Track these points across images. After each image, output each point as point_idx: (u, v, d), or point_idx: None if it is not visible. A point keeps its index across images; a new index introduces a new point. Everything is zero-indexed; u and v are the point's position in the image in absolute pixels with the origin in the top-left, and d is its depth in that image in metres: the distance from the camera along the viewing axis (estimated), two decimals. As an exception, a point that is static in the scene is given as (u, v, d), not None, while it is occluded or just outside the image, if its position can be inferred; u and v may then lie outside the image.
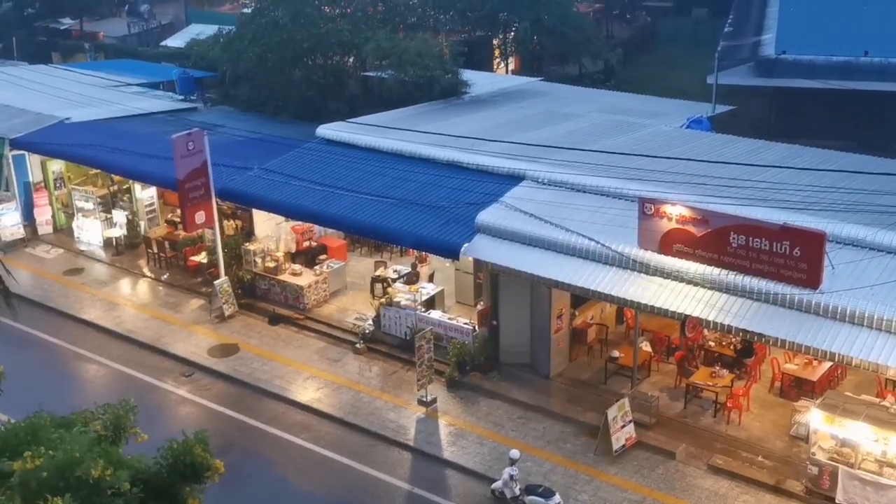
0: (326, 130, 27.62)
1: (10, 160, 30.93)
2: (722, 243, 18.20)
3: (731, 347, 21.63)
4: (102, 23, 56.55)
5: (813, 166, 21.95)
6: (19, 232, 30.92)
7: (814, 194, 19.70)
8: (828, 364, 20.17)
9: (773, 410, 20.48)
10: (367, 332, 24.05)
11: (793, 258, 17.46)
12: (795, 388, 20.65)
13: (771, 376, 21.29)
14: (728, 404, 20.16)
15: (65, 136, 30.35)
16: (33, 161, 31.25)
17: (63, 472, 8.62)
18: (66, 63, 46.12)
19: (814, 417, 18.26)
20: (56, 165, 31.58)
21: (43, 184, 31.63)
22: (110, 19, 57.71)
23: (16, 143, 30.54)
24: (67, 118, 31.46)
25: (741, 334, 18.57)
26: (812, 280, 17.38)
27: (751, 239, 17.85)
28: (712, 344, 21.90)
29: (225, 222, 27.34)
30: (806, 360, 20.52)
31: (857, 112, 31.30)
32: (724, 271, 18.29)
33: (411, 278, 25.35)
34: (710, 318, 18.07)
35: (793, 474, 18.49)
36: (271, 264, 26.31)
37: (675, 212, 18.71)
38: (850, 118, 31.35)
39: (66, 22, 55.62)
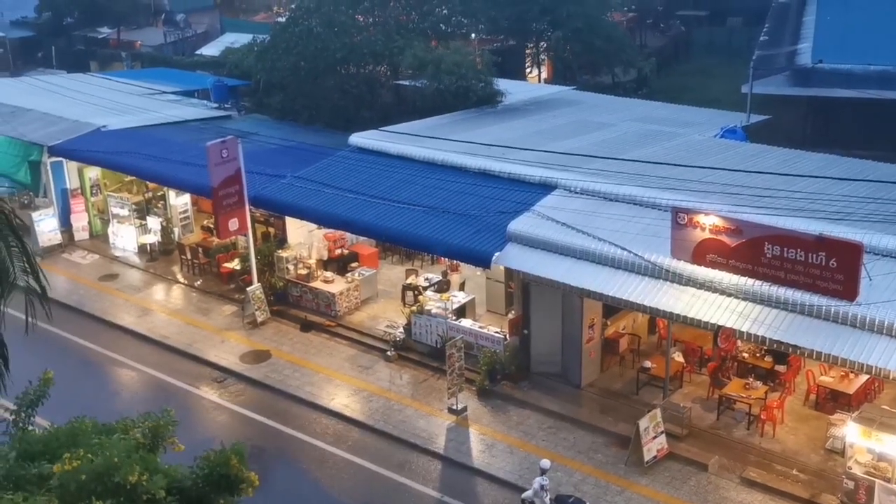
0: (359, 139, 27.74)
1: (49, 167, 31.37)
2: (756, 254, 18.03)
3: (764, 357, 21.40)
4: (139, 32, 57.30)
5: (850, 176, 21.70)
6: (56, 237, 31.32)
7: (850, 205, 19.48)
8: (864, 377, 19.89)
9: (808, 423, 20.25)
10: (397, 339, 24.09)
11: (829, 269, 17.25)
12: (831, 401, 20.40)
13: (806, 389, 21.06)
14: (762, 416, 19.95)
15: (101, 143, 30.73)
16: (70, 168, 31.67)
17: (101, 476, 8.72)
18: (104, 71, 46.74)
19: (850, 431, 18.03)
20: (92, 172, 31.96)
21: (79, 190, 32.03)
22: (147, 29, 58.46)
23: (54, 151, 30.95)
24: (104, 126, 31.84)
25: (776, 346, 18.37)
26: (849, 292, 17.16)
27: (786, 249, 17.67)
28: (746, 355, 21.70)
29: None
30: (842, 373, 20.26)
31: (894, 122, 30.90)
32: (759, 282, 18.12)
33: (442, 286, 25.37)
34: (744, 329, 17.90)
35: (828, 488, 18.24)
36: (303, 271, 26.44)
37: (709, 222, 18.57)
38: (887, 128, 30.95)
39: (104, 31, 56.42)
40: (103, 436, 9.53)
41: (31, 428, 10.50)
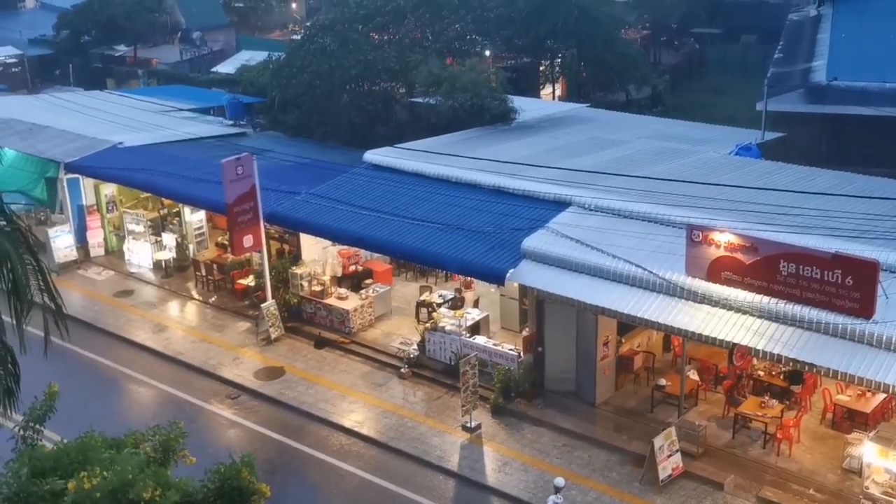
0: (374, 156, 27.81)
1: (65, 183, 31.57)
2: (771, 271, 17.95)
3: (780, 377, 21.27)
4: (156, 50, 57.78)
5: (865, 194, 21.60)
6: (72, 254, 31.47)
7: (866, 222, 19.37)
8: (881, 396, 19.71)
9: (825, 442, 20.08)
10: (411, 356, 24.06)
11: (845, 287, 17.15)
12: (848, 420, 20.22)
13: (822, 407, 20.89)
14: (778, 435, 19.80)
15: (117, 160, 30.90)
16: (87, 184, 31.84)
17: (116, 493, 8.73)
18: (121, 89, 47.16)
19: (867, 450, 17.88)
20: (108, 189, 32.14)
21: (95, 207, 32.20)
22: (163, 46, 58.94)
23: (70, 167, 31.15)
24: (120, 143, 32.04)
25: (791, 364, 18.25)
26: (865, 310, 17.05)
27: (801, 267, 17.59)
28: (761, 373, 21.56)
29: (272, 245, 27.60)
30: (859, 392, 20.09)
31: (910, 139, 30.75)
32: (774, 300, 18.03)
33: (456, 303, 25.34)
34: (759, 347, 17.80)
35: (845, 508, 18.09)
36: (317, 288, 26.47)
37: (724, 239, 18.51)
38: (903, 145, 30.81)
39: (121, 49, 56.92)
40: (113, 450, 9.54)
41: (40, 443, 10.52)
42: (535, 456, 20.52)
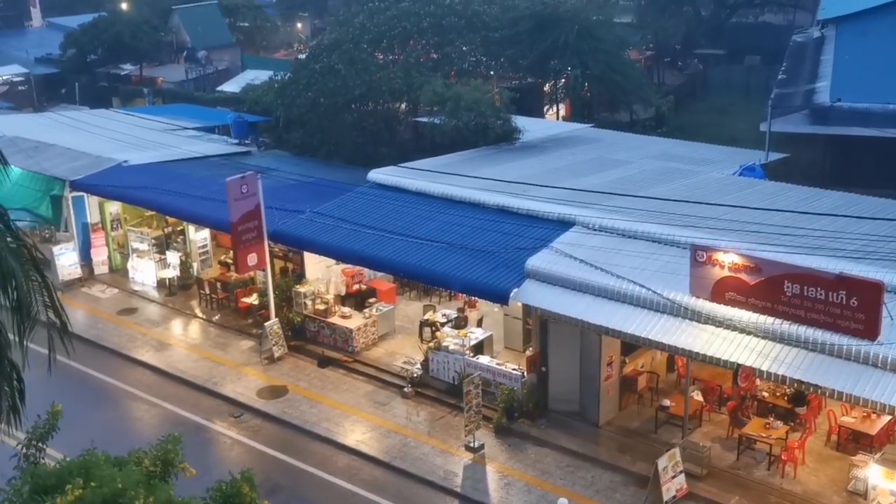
0: (378, 175, 27.88)
1: (70, 201, 31.64)
2: (776, 292, 17.92)
3: (785, 398, 21.19)
4: (161, 68, 58.02)
5: (869, 215, 21.61)
6: (76, 271, 31.49)
7: (871, 243, 19.38)
8: (887, 417, 19.64)
9: (830, 464, 19.98)
10: (415, 376, 24.02)
11: (849, 308, 17.12)
12: (853, 442, 20.13)
13: (827, 429, 20.81)
14: (782, 457, 19.71)
15: (122, 178, 31.01)
16: (91, 202, 31.91)
17: (108, 503, 8.72)
18: (126, 107, 47.31)
19: (873, 472, 17.79)
20: (113, 207, 32.21)
21: (100, 225, 32.25)
22: (169, 65, 59.20)
23: (75, 185, 31.25)
24: (125, 161, 32.14)
25: (795, 385, 18.19)
26: (870, 331, 17.00)
27: (806, 288, 17.56)
28: (765, 394, 21.49)
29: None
30: (864, 413, 20.01)
31: (914, 161, 30.75)
32: (778, 320, 17.99)
33: (460, 323, 25.32)
34: (764, 368, 17.75)
35: (850, 531, 17.98)
36: (321, 307, 26.47)
37: (728, 259, 18.50)
38: (907, 167, 30.80)
39: (127, 68, 57.19)
40: (115, 468, 9.55)
41: (43, 461, 10.51)
42: (539, 476, 20.44)
